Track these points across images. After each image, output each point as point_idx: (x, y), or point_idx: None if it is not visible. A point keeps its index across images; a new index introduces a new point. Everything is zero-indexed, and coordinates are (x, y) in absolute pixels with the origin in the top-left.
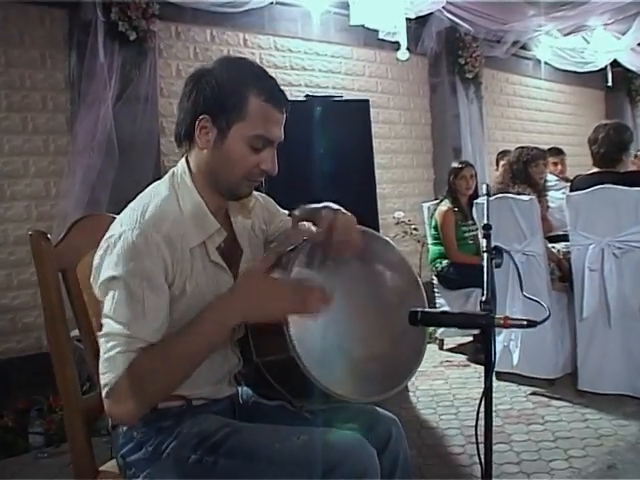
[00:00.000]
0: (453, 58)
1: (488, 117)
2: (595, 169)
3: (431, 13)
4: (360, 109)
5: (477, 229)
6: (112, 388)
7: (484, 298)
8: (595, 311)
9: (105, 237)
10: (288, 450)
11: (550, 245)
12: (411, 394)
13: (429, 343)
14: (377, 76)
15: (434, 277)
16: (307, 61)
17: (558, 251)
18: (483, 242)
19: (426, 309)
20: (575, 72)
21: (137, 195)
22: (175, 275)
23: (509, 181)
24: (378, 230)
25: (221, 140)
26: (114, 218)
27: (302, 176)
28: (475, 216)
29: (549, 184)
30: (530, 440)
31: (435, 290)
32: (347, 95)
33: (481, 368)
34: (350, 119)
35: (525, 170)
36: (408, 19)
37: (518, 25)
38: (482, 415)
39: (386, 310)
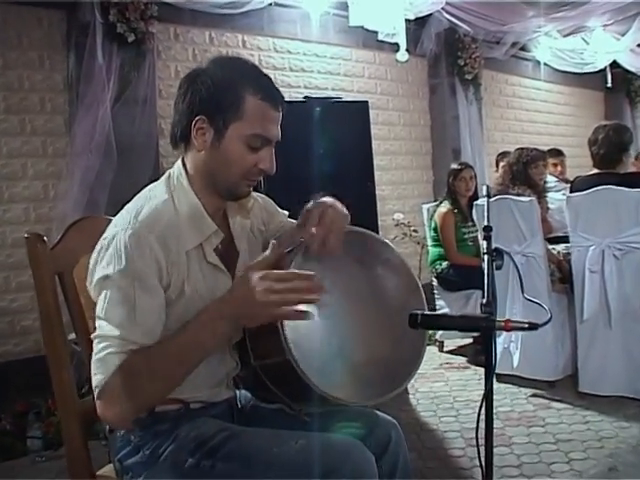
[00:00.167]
0: (452, 59)
1: (487, 118)
2: (595, 170)
3: (430, 14)
4: (359, 110)
5: (477, 230)
6: (102, 389)
7: (485, 300)
8: (596, 312)
9: (100, 239)
10: (286, 455)
11: (550, 246)
12: (411, 396)
13: (429, 345)
14: (376, 77)
15: (434, 279)
16: (306, 62)
17: (558, 252)
18: (483, 244)
19: (426, 312)
20: (574, 73)
21: (134, 197)
22: (171, 277)
23: (509, 182)
24: (377, 232)
25: (218, 140)
26: (111, 220)
27: (301, 177)
28: (475, 217)
29: (549, 185)
30: (531, 442)
31: (435, 292)
32: (346, 96)
33: (481, 370)
34: (349, 120)
35: (525, 171)
36: (407, 20)
37: (517, 26)
38: (483, 417)
39: (386, 312)
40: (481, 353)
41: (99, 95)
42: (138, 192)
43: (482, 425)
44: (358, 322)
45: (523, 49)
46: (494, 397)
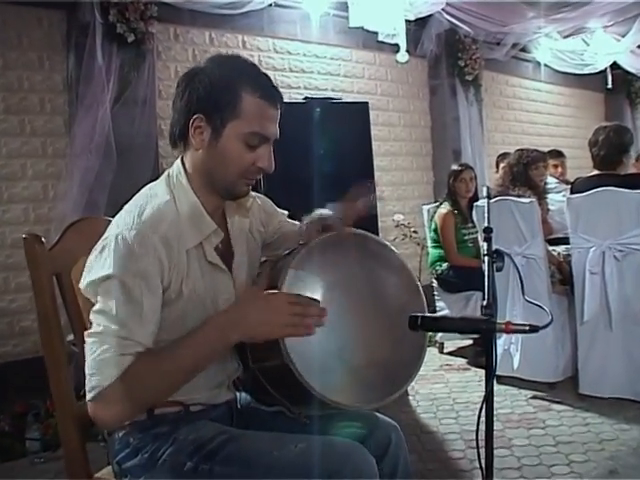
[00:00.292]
0: (453, 60)
1: (488, 119)
2: (595, 171)
3: (430, 15)
4: (359, 111)
5: (477, 232)
6: (102, 392)
7: (485, 302)
8: (596, 314)
9: (100, 239)
10: (286, 458)
11: (550, 248)
12: (411, 398)
13: (429, 346)
14: (376, 78)
15: (434, 280)
16: (306, 63)
17: (559, 254)
18: (484, 245)
19: (426, 314)
20: (575, 74)
21: (132, 197)
22: (172, 278)
23: (509, 184)
24: (377, 233)
25: (216, 139)
26: (109, 221)
27: (301, 178)
28: (475, 219)
29: (549, 186)
30: (531, 444)
31: (435, 293)
32: (346, 97)
33: (481, 371)
34: (349, 121)
35: (525, 172)
36: (407, 21)
37: (518, 27)
38: (483, 419)
39: (386, 314)
40: (481, 355)
41: (99, 95)
42: (137, 192)
43: (482, 427)
44: (358, 324)
45: (523, 50)
46: (494, 399)
